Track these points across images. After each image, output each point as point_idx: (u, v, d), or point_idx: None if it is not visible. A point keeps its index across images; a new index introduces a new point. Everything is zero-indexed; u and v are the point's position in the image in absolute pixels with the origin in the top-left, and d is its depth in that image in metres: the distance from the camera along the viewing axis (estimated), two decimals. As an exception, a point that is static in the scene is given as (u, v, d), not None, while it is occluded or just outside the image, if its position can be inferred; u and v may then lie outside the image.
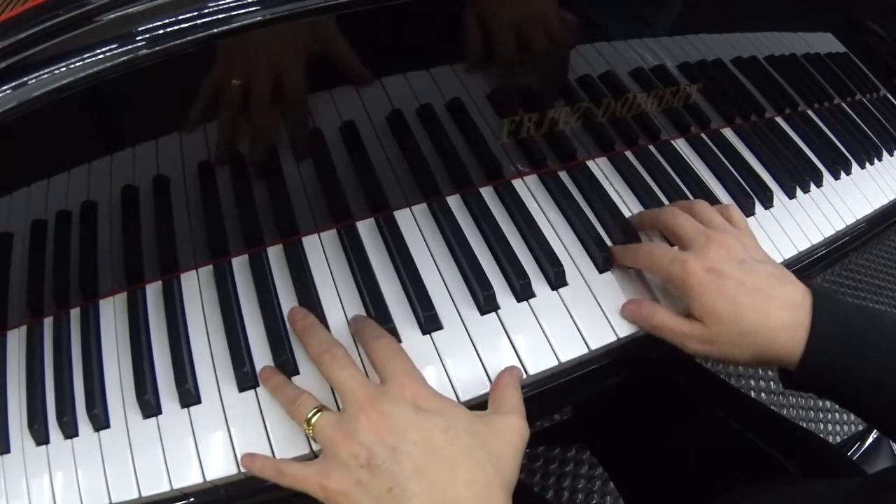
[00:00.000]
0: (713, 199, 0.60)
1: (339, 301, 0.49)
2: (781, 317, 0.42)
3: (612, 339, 0.49)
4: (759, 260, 0.46)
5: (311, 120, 0.48)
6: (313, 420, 0.40)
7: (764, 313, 0.42)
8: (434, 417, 0.38)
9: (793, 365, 0.43)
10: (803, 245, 0.60)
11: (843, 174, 0.69)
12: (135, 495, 0.42)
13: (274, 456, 0.43)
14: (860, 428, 1.06)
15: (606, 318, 0.50)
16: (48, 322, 0.50)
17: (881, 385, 0.41)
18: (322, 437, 0.39)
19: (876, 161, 0.73)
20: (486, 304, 0.49)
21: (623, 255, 0.51)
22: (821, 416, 1.26)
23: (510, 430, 0.40)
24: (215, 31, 0.38)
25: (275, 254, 0.52)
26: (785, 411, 1.24)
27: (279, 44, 0.41)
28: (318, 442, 0.40)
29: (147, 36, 0.37)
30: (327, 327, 0.47)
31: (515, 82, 0.52)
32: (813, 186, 0.66)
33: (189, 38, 0.38)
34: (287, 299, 0.49)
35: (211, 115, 0.44)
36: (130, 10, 0.37)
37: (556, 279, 0.51)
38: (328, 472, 0.37)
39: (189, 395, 0.45)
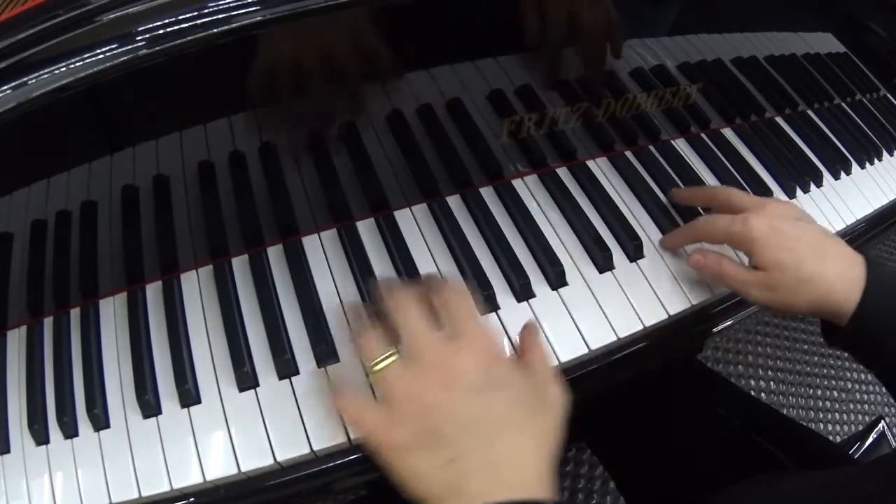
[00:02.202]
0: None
1: (339, 301, 0.49)
2: (838, 266, 0.45)
3: (613, 339, 0.49)
4: (810, 221, 0.49)
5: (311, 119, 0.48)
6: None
7: (821, 263, 0.45)
8: (501, 387, 0.38)
9: (845, 318, 0.44)
10: (803, 245, 0.60)
11: (843, 174, 0.69)
12: (135, 495, 0.42)
13: (275, 457, 0.43)
14: (861, 428, 1.06)
15: (606, 317, 0.50)
16: (48, 322, 0.50)
17: None
18: (385, 387, 0.38)
19: (876, 161, 0.73)
20: (486, 304, 0.49)
21: (677, 237, 0.54)
22: (821, 416, 1.26)
23: (557, 403, 0.40)
24: (215, 30, 0.38)
25: (275, 254, 0.52)
26: (785, 411, 1.24)
27: (283, 43, 0.41)
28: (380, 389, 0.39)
29: (147, 36, 0.37)
30: (326, 327, 0.47)
31: (526, 78, 0.52)
32: (813, 186, 0.66)
33: (189, 38, 0.38)
34: (287, 299, 0.49)
35: (212, 115, 0.44)
36: (130, 10, 0.37)
37: (556, 279, 0.51)
38: (391, 426, 0.37)
39: (189, 395, 0.45)
